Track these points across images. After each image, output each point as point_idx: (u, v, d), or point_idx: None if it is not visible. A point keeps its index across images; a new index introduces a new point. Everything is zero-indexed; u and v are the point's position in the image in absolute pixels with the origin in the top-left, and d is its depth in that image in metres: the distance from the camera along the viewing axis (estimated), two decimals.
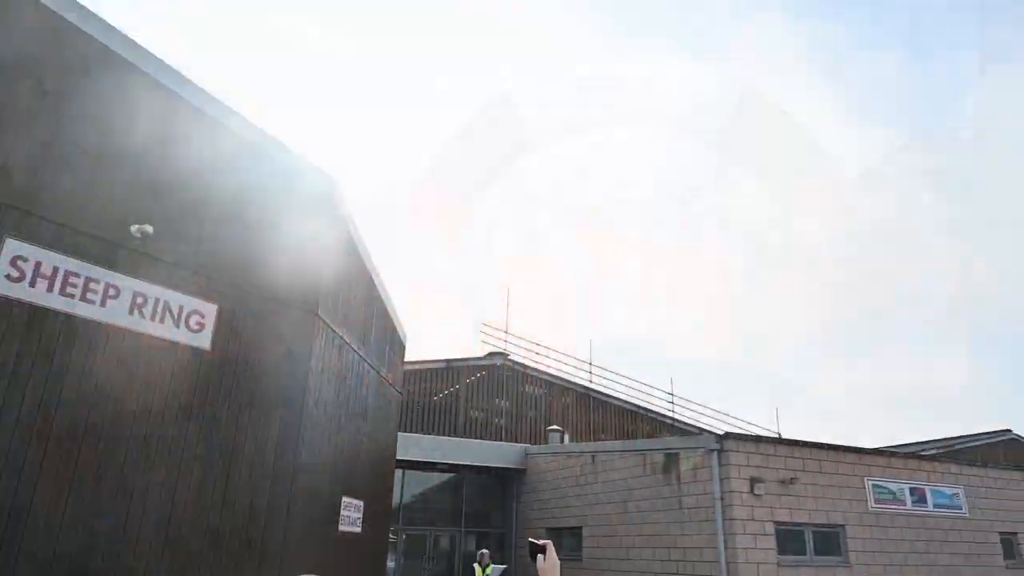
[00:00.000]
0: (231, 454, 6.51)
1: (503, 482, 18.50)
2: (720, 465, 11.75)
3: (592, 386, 23.39)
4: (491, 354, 22.11)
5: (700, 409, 24.94)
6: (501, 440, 20.59)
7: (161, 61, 6.51)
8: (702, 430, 24.07)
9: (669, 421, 24.64)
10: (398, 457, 13.31)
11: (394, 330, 12.25)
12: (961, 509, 13.66)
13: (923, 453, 18.44)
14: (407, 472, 17.18)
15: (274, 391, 7.09)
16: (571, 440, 21.13)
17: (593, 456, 15.08)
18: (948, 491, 13.58)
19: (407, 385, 20.50)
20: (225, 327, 6.66)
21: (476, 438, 20.06)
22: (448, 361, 21.38)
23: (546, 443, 19.57)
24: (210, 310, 6.55)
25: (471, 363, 21.72)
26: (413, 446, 16.39)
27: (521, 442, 20.11)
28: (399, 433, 12.99)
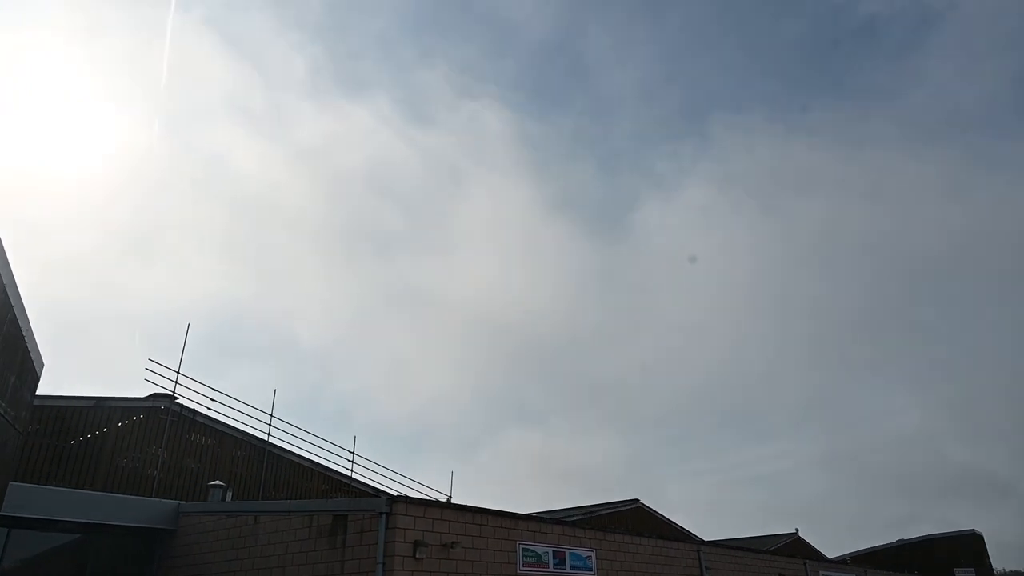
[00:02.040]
0: None
1: (148, 545, 16.08)
2: (387, 528, 11.67)
3: (270, 440, 21.94)
4: (155, 395, 19.53)
5: (380, 470, 24.85)
6: (152, 495, 18.05)
7: None
8: (379, 492, 23.93)
9: (347, 481, 24.07)
10: (4, 513, 10.79)
11: (26, 354, 10.13)
12: (591, 570, 15.38)
13: (567, 519, 20.56)
14: (13, 532, 13.99)
15: None
16: (237, 498, 19.35)
17: (256, 516, 13.94)
18: (583, 554, 15.23)
19: (40, 424, 17.07)
20: None
21: (121, 492, 17.30)
22: (99, 399, 18.35)
23: (206, 500, 17.62)
24: None
25: (128, 404, 18.90)
26: (27, 500, 13.48)
27: (177, 498, 17.81)
28: (11, 483, 10.59)
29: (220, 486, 17.11)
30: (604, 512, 27.19)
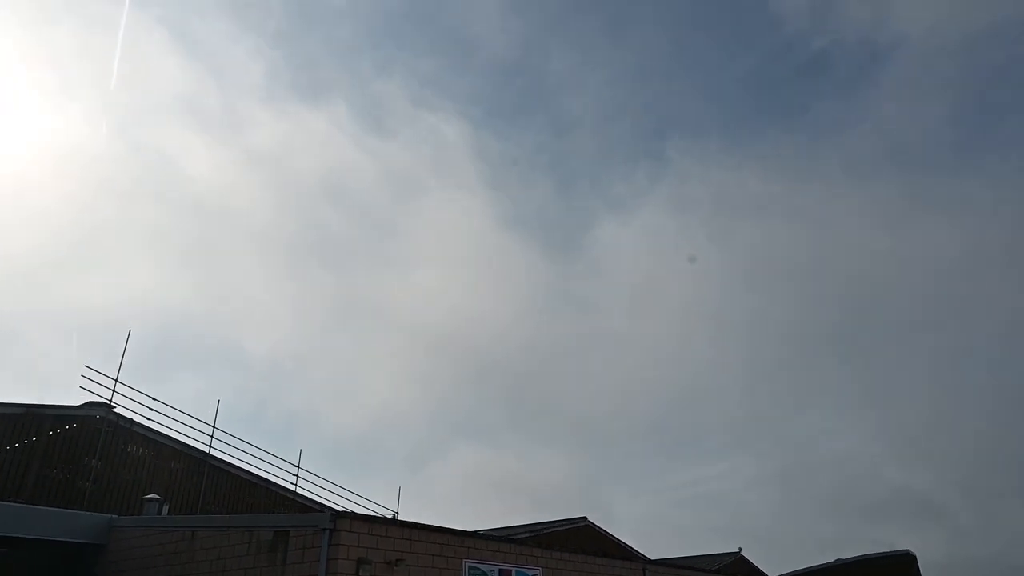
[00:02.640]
0: None
1: (76, 561, 15.36)
2: (330, 545, 11.39)
3: (211, 452, 21.27)
4: (90, 404, 18.74)
5: (325, 485, 24.33)
6: (83, 508, 17.27)
7: None
8: (324, 507, 23.40)
9: (291, 496, 23.48)
10: None
11: None
12: None
13: (514, 536, 20.47)
14: None
15: None
16: (174, 512, 18.67)
17: (193, 531, 13.46)
18: (529, 572, 15.15)
19: None
20: None
21: (50, 504, 16.50)
22: (29, 406, 17.52)
23: (140, 514, 16.94)
24: None
25: (61, 412, 18.09)
26: None
27: (111, 512, 17.07)
28: None
29: (156, 499, 16.49)
30: (552, 530, 27.14)
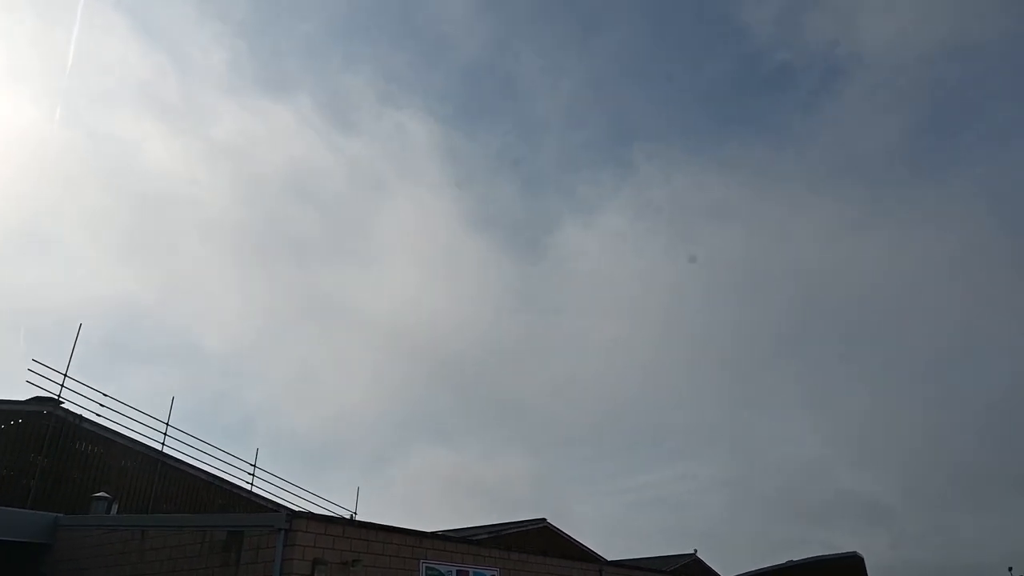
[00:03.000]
0: None
1: (21, 561, 14.85)
2: (285, 545, 11.24)
3: (164, 450, 20.79)
4: (37, 399, 18.16)
5: (282, 484, 23.98)
6: (28, 507, 16.73)
7: None
8: (281, 507, 23.07)
9: (247, 496, 23.09)
10: None
11: None
12: None
13: (473, 537, 20.48)
14: None
15: None
16: (124, 511, 18.19)
17: (143, 531, 13.15)
18: (487, 573, 15.18)
19: None
20: None
21: None
22: None
23: (88, 512, 16.48)
24: None
25: (5, 407, 17.49)
26: None
27: (57, 510, 16.56)
28: None
29: (105, 498, 16.07)
30: (511, 531, 27.21)
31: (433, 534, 14.56)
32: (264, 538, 11.39)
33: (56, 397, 18.47)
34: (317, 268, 78.16)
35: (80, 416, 19.02)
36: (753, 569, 35.78)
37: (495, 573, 15.37)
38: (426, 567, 13.45)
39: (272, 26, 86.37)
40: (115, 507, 16.37)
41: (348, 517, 23.99)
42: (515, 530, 27.51)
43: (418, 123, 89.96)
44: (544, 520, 29.51)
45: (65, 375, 18.59)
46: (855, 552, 36.01)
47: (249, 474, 23.14)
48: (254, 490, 23.25)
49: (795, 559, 35.89)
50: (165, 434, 20.87)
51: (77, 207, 59.71)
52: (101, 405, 19.39)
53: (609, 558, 31.06)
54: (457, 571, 14.27)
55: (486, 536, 24.22)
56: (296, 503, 23.77)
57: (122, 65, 64.58)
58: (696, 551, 38.85)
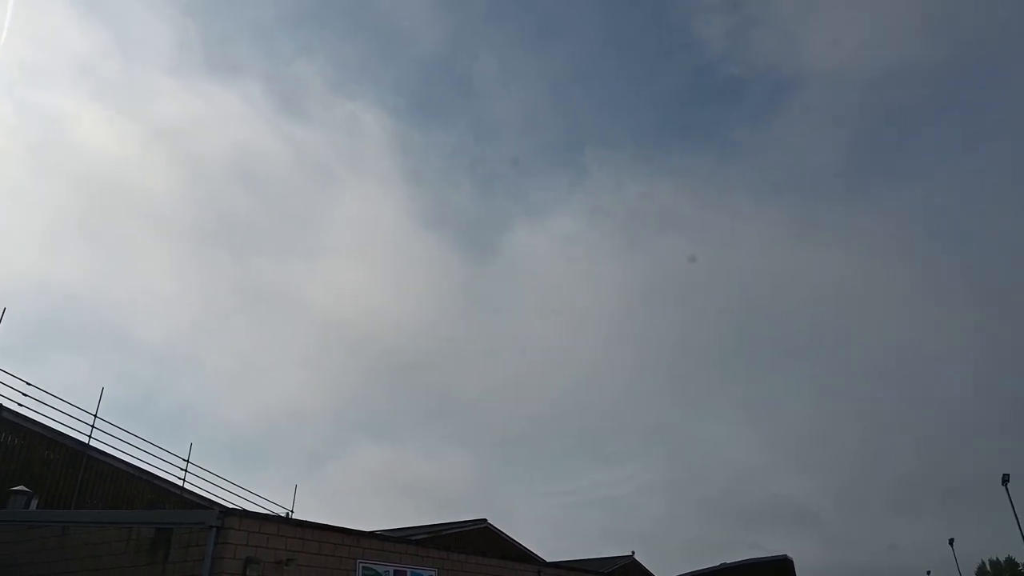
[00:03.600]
0: None
1: None
2: (216, 543, 10.90)
3: (91, 443, 19.91)
4: None
5: (216, 480, 23.28)
6: None
7: None
8: (214, 504, 22.38)
9: (178, 492, 22.32)
10: None
11: None
12: None
13: (412, 537, 20.27)
14: None
15: None
16: (45, 506, 17.33)
17: (64, 527, 12.56)
18: (425, 573, 15.05)
19: None
20: None
21: None
22: None
23: (5, 508, 15.64)
24: None
25: None
26: None
27: None
28: None
29: (24, 492, 15.28)
30: (451, 531, 27.06)
31: (371, 533, 14.36)
32: (194, 536, 11.02)
33: None
34: (259, 257, 76.40)
35: (0, 406, 18.04)
36: (688, 571, 36.50)
37: (433, 573, 15.25)
38: (363, 567, 13.25)
39: (222, 8, 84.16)
40: (35, 502, 15.59)
41: (284, 515, 23.47)
42: (455, 530, 27.38)
43: (371, 115, 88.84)
44: (485, 520, 29.45)
45: None
46: (785, 555, 37.15)
47: (181, 469, 22.38)
48: (186, 486, 22.50)
49: (728, 561, 36.77)
50: (92, 426, 19.98)
51: (7, 183, 56.86)
52: (23, 394, 18.44)
53: (549, 559, 31.21)
54: (395, 571, 14.11)
55: (425, 536, 24.03)
56: (230, 500, 23.11)
57: (59, 40, 61.83)
58: (634, 552, 39.46)
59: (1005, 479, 30.96)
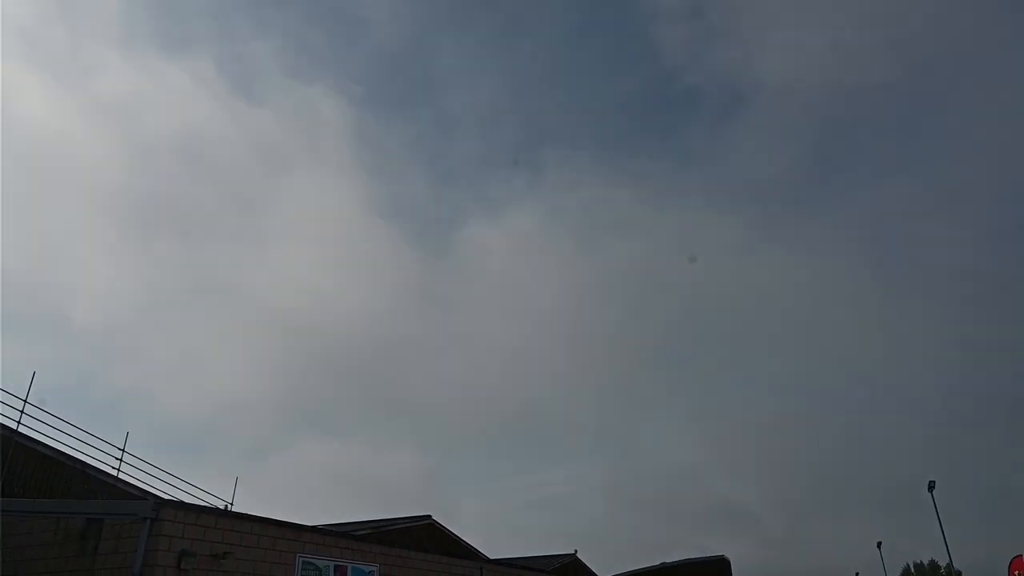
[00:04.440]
0: None
1: None
2: (150, 536, 10.62)
3: (20, 429, 19.11)
4: None
5: (154, 471, 22.61)
6: None
7: None
8: (149, 495, 21.72)
9: (112, 482, 21.58)
10: None
11: None
12: None
13: (355, 532, 20.05)
14: None
15: None
16: None
17: None
18: (366, 568, 14.92)
19: None
20: None
21: None
22: None
23: None
24: None
25: None
26: None
27: None
28: None
29: None
30: (395, 527, 26.83)
31: (312, 528, 14.18)
32: (127, 527, 10.70)
33: None
34: (205, 243, 74.43)
35: None
36: (628, 570, 37.11)
37: (375, 569, 15.14)
38: (302, 561, 13.08)
39: None
40: None
41: (223, 508, 22.94)
42: (399, 526, 27.17)
43: (329, 102, 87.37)
44: (429, 517, 29.31)
45: None
46: (723, 555, 38.13)
47: (116, 459, 21.67)
48: (121, 476, 21.79)
49: (667, 561, 37.54)
50: (22, 411, 19.21)
51: None
52: None
53: (493, 556, 31.29)
54: (335, 566, 13.96)
55: (368, 532, 23.80)
56: (168, 492, 22.47)
57: None
58: (576, 551, 39.81)
59: (931, 486, 32.30)
